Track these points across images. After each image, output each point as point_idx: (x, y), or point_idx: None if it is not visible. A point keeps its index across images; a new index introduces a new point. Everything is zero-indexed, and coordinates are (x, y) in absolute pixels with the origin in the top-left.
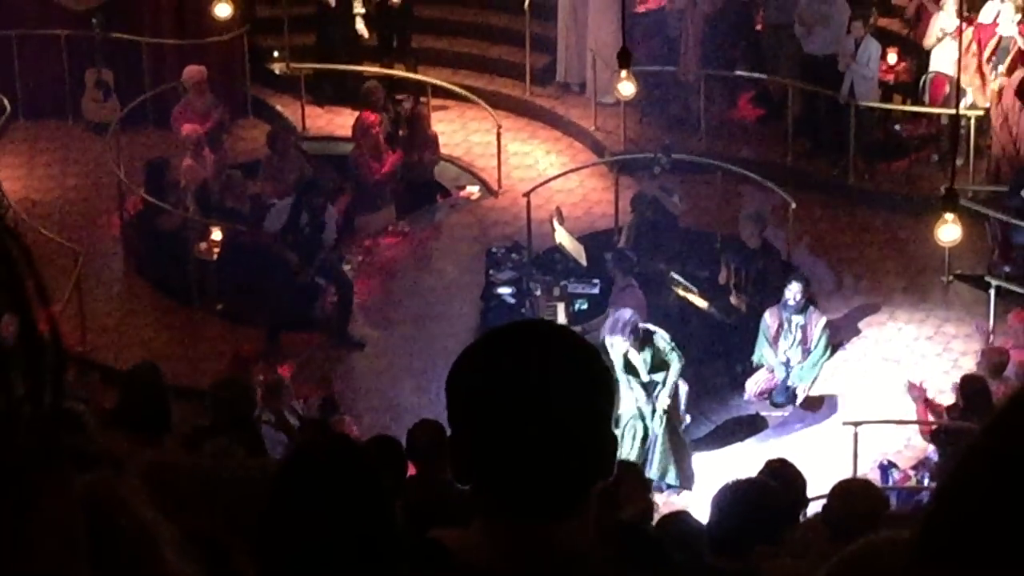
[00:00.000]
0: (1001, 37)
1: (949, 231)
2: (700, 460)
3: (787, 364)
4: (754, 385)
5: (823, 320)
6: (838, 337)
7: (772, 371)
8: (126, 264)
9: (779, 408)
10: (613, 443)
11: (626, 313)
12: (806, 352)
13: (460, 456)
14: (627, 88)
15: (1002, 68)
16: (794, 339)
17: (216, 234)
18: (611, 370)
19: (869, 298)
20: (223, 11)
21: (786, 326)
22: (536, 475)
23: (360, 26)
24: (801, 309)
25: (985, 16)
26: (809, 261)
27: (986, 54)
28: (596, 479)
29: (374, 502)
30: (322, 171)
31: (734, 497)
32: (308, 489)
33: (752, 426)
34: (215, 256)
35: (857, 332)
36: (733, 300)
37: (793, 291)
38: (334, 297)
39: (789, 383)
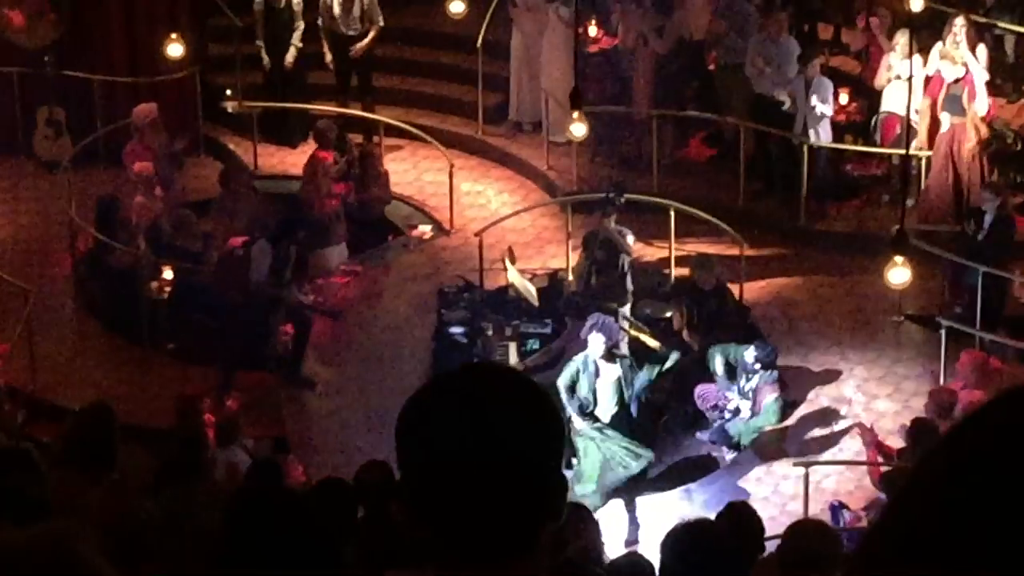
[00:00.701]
0: (949, 85)
1: (899, 273)
2: (652, 500)
3: (736, 412)
4: (701, 399)
5: (775, 395)
6: (789, 386)
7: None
8: (77, 303)
9: (731, 449)
10: (562, 485)
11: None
12: (753, 413)
13: (410, 499)
14: (579, 129)
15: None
16: (744, 395)
17: (167, 273)
18: (560, 413)
19: (820, 338)
20: (175, 51)
21: (740, 380)
22: (486, 518)
23: (290, 57)
24: (757, 371)
25: (930, 67)
26: (762, 302)
27: (940, 99)
28: (545, 521)
29: (314, 553)
30: (272, 210)
31: (685, 539)
32: (247, 546)
33: (704, 467)
34: (166, 295)
35: (808, 372)
36: (686, 337)
37: (751, 356)
38: (287, 336)
39: (731, 431)
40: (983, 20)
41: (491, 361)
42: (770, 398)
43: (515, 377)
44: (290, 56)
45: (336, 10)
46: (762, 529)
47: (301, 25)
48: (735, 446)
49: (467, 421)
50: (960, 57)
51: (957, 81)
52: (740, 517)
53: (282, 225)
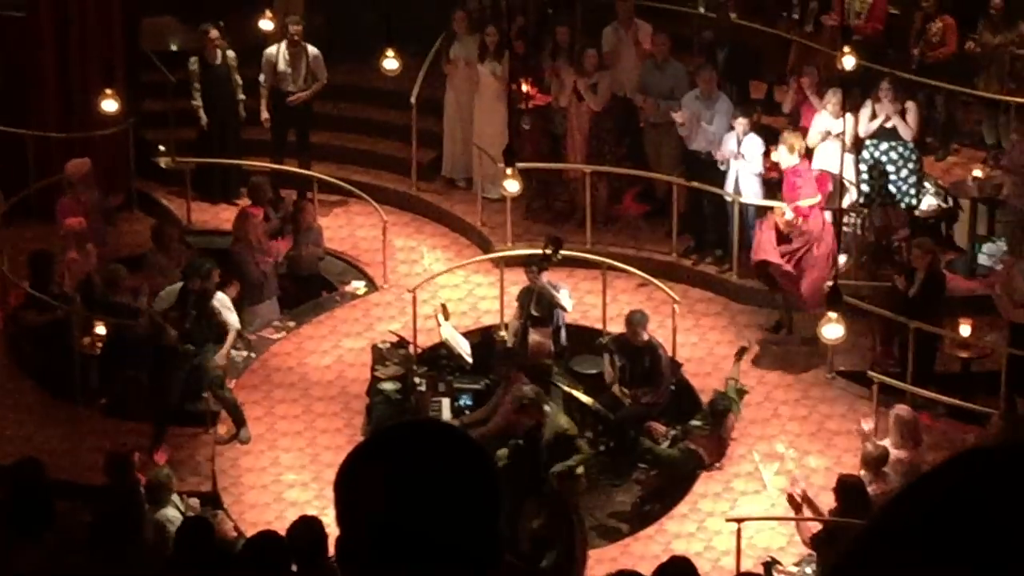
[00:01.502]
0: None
1: (832, 329)
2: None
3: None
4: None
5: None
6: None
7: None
8: (7, 358)
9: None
10: (501, 542)
11: None
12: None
13: (347, 557)
14: (513, 185)
15: None
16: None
17: (100, 328)
18: (497, 471)
19: (752, 394)
20: (110, 106)
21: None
22: (423, 574)
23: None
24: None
25: (861, 127)
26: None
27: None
28: None
29: None
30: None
31: None
32: None
33: (637, 521)
34: (99, 350)
35: (741, 429)
36: (616, 392)
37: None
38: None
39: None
40: (913, 79)
41: (429, 418)
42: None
43: (454, 435)
44: (242, 111)
45: (282, 66)
46: None
47: (239, 81)
48: None
49: (406, 480)
50: (798, 146)
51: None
52: (678, 571)
53: (186, 269)
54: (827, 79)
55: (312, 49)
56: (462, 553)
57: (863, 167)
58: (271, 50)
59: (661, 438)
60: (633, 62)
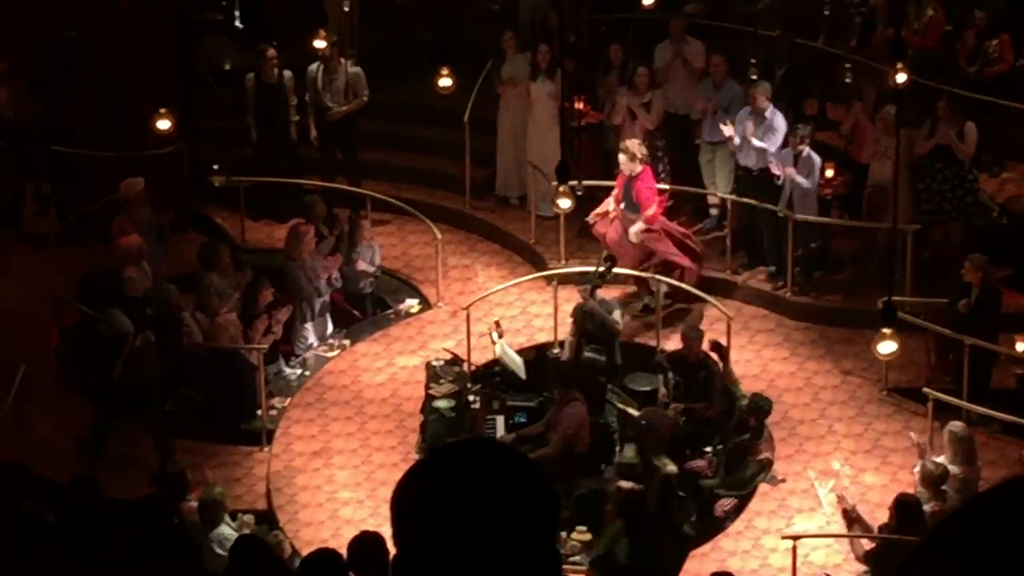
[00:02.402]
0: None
1: (887, 345)
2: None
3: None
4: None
5: (764, 454)
6: (779, 450)
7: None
8: (63, 376)
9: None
10: (557, 559)
11: None
12: (736, 467)
13: (403, 572)
14: (565, 202)
15: None
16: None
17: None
18: (553, 490)
19: (807, 411)
20: (164, 125)
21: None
22: None
23: (293, 132)
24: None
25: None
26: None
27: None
28: None
29: None
30: (259, 283)
31: None
32: None
33: (693, 538)
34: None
35: (796, 446)
36: (671, 413)
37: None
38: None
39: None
40: (970, 95)
41: (485, 437)
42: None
43: (509, 454)
44: (293, 132)
45: (319, 84)
46: None
47: (294, 100)
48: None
49: (462, 498)
50: (640, 152)
51: (633, 177)
52: None
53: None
54: (881, 96)
55: (351, 66)
56: (518, 571)
57: (920, 185)
58: (312, 68)
59: (708, 471)
60: (684, 79)
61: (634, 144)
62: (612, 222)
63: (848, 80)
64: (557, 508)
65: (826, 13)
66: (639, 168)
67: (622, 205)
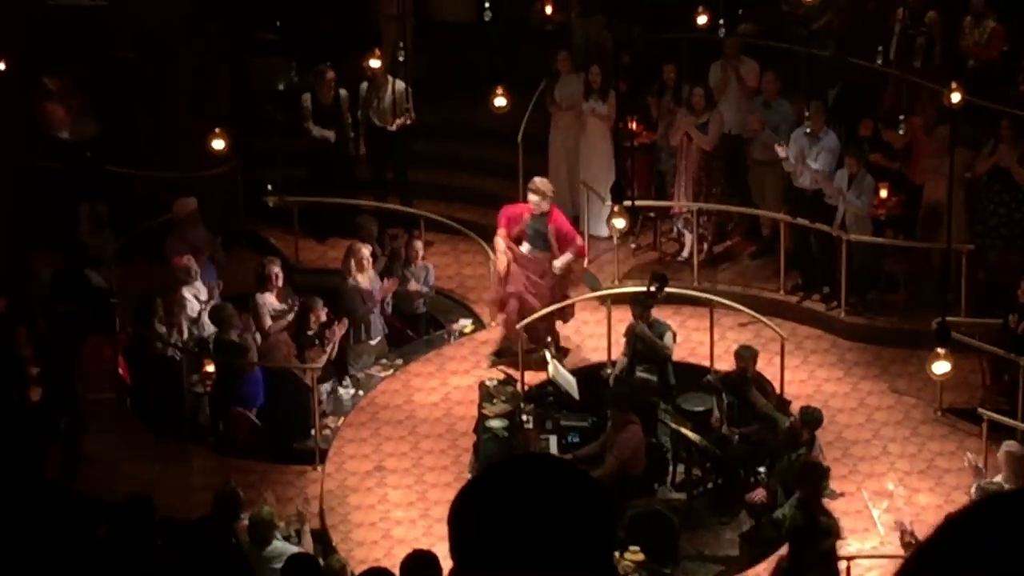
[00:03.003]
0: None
1: (941, 365)
2: None
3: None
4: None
5: (824, 463)
6: (833, 471)
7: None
8: (118, 395)
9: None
10: (613, 574)
11: None
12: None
13: None
14: (620, 222)
15: None
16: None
17: (209, 367)
18: (612, 507)
19: (861, 431)
20: (218, 145)
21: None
22: None
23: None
24: (807, 443)
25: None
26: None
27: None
28: None
29: None
30: (314, 304)
31: None
32: None
33: (746, 557)
34: (209, 389)
35: (851, 467)
36: (725, 431)
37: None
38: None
39: (775, 516)
40: None
41: (543, 453)
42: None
43: (567, 469)
44: (352, 149)
45: (372, 101)
46: None
47: (349, 119)
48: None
49: (519, 513)
50: (550, 191)
51: (543, 216)
52: None
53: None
54: (939, 115)
55: (399, 83)
56: None
57: (977, 206)
58: (363, 87)
59: (766, 499)
60: (737, 99)
61: (544, 183)
62: (507, 276)
63: (892, 96)
64: (615, 525)
65: (894, 34)
66: (547, 206)
67: (524, 247)
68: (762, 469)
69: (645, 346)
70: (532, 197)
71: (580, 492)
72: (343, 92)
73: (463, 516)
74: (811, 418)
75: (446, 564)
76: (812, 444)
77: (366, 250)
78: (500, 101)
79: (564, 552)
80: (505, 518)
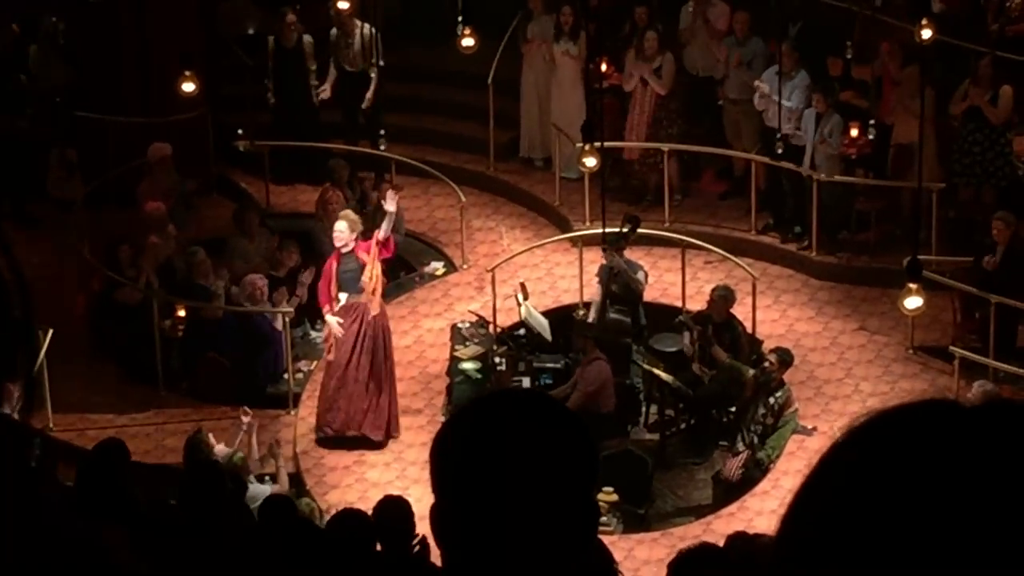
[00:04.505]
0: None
1: (913, 301)
2: (668, 536)
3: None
4: (731, 471)
5: (796, 404)
6: (804, 410)
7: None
8: (90, 341)
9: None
10: (595, 512)
11: None
12: (774, 428)
13: (443, 522)
14: (591, 160)
15: None
16: (767, 412)
17: (181, 312)
18: (594, 442)
19: (833, 370)
20: (188, 87)
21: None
22: (520, 541)
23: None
24: (780, 385)
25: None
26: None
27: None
28: (576, 546)
29: None
30: (287, 248)
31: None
32: None
33: (720, 498)
34: (180, 333)
35: (823, 406)
36: (695, 370)
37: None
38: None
39: (758, 456)
40: (1006, 56)
41: (526, 388)
42: (790, 410)
43: (550, 404)
44: (315, 95)
45: (340, 46)
46: None
47: (313, 65)
48: (764, 471)
49: (503, 446)
50: (360, 224)
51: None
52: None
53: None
54: (906, 55)
55: (367, 27)
56: (557, 520)
57: (953, 145)
58: (333, 32)
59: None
60: (706, 41)
61: (353, 216)
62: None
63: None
64: (597, 460)
65: None
66: (353, 242)
67: (340, 296)
68: (733, 409)
69: (619, 286)
70: (340, 227)
71: (564, 426)
72: (307, 37)
73: (446, 449)
74: (783, 360)
75: (419, 507)
76: (784, 387)
77: (340, 194)
78: (468, 41)
79: (547, 486)
80: (488, 451)
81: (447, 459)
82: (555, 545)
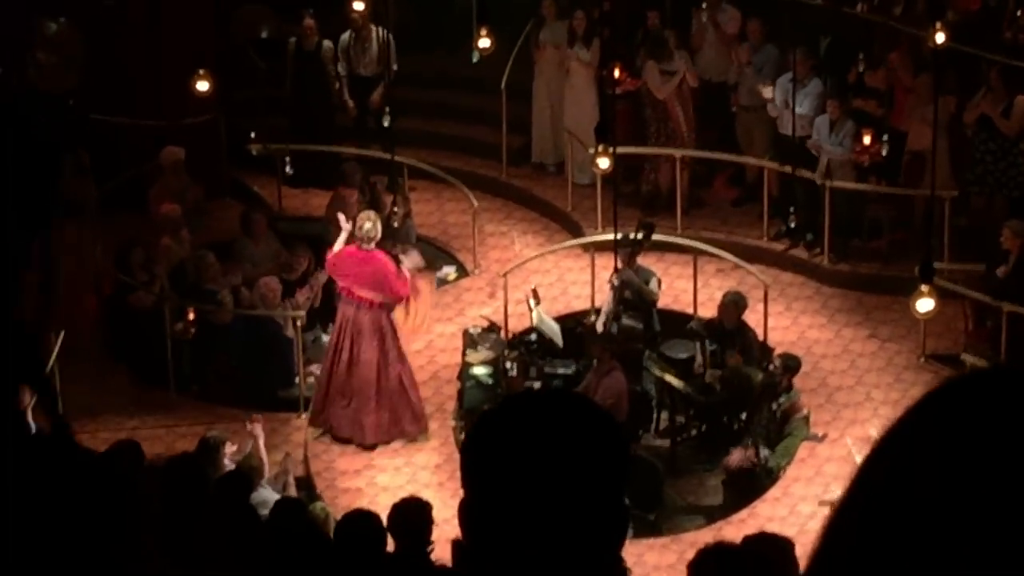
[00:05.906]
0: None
1: (925, 303)
2: (678, 541)
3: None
4: (735, 460)
5: (804, 410)
6: (815, 417)
7: (750, 447)
8: (102, 344)
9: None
10: (624, 513)
11: None
12: (780, 432)
13: (472, 519)
14: (604, 163)
15: None
16: (772, 416)
17: (192, 315)
18: (627, 442)
19: (844, 378)
20: (203, 86)
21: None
22: (549, 541)
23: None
24: (786, 390)
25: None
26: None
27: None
28: (606, 547)
29: None
30: (298, 251)
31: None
32: None
33: (730, 503)
34: (191, 337)
35: (834, 413)
36: (708, 379)
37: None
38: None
39: (769, 464)
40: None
41: (559, 388)
42: (799, 415)
43: (584, 403)
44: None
45: (351, 51)
46: (792, 554)
47: (332, 69)
48: (773, 478)
49: (535, 445)
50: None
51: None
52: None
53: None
54: (916, 63)
55: (382, 31)
56: (589, 520)
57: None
58: (344, 37)
59: (753, 459)
60: (715, 46)
61: (374, 217)
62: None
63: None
64: (628, 460)
65: None
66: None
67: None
68: (743, 415)
69: (632, 293)
70: (367, 226)
71: (597, 426)
72: (326, 43)
73: (478, 445)
74: (789, 366)
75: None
76: (790, 392)
77: (354, 196)
78: (484, 42)
79: (579, 485)
80: (521, 448)
81: (479, 455)
82: (586, 544)
